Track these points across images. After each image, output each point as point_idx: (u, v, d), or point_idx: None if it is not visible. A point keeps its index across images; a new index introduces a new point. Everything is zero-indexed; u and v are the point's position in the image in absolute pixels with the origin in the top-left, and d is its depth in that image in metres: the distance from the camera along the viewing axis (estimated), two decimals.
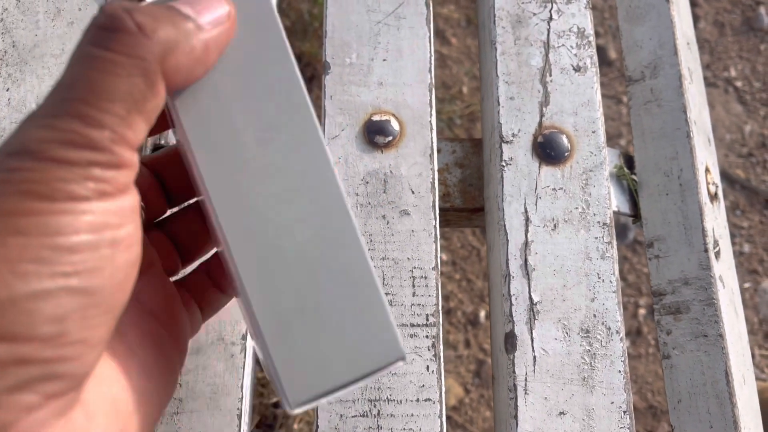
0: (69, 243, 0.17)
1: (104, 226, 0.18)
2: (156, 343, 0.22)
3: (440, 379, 0.34)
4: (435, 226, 0.36)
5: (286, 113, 0.21)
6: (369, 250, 0.35)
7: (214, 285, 0.28)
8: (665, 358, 0.37)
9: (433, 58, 0.40)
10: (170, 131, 0.40)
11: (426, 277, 0.35)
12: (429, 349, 0.34)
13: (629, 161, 0.43)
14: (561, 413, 0.33)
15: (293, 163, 0.21)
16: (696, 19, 1.30)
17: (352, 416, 0.33)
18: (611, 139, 1.20)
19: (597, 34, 1.27)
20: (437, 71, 1.22)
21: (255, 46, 0.21)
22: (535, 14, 0.41)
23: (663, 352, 0.37)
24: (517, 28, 0.41)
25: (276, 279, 0.20)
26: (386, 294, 0.35)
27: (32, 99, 0.38)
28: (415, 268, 0.36)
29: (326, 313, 0.21)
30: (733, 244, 1.16)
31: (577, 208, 0.37)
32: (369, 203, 0.37)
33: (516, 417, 0.33)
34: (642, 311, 1.10)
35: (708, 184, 0.40)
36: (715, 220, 0.39)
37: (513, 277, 0.36)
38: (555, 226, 0.37)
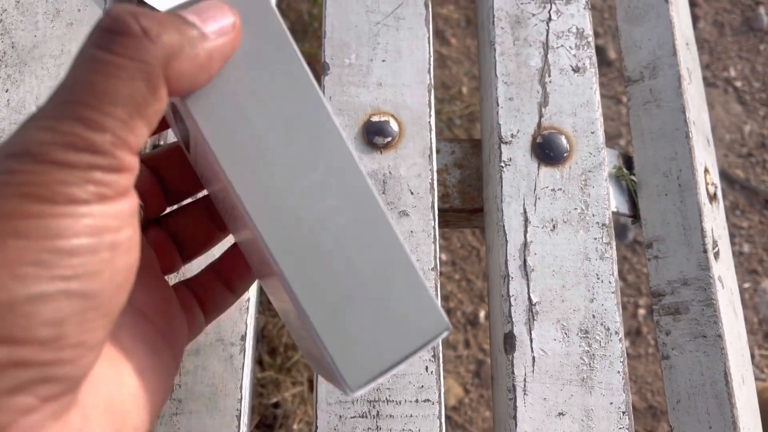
0: (69, 246, 0.17)
1: (104, 230, 0.18)
2: (150, 344, 0.22)
3: (439, 379, 0.34)
4: (434, 227, 0.36)
5: (303, 111, 0.22)
6: None
7: (224, 284, 0.28)
8: (664, 358, 0.37)
9: (432, 58, 0.40)
10: (169, 131, 0.40)
11: (425, 278, 0.35)
12: (428, 350, 0.34)
13: (628, 162, 0.43)
14: (560, 414, 0.33)
15: (318, 158, 0.22)
16: (695, 19, 1.30)
17: (351, 417, 0.33)
18: (610, 140, 1.20)
19: (596, 35, 1.27)
20: (437, 71, 1.22)
21: (262, 48, 0.22)
22: (534, 15, 0.41)
23: (662, 353, 0.37)
24: (516, 28, 0.41)
25: (317, 271, 0.21)
26: None
27: (31, 100, 0.37)
28: None
29: (370, 297, 0.22)
30: (733, 244, 1.16)
31: (576, 208, 0.37)
32: None
33: (515, 417, 0.33)
34: (641, 311, 1.10)
35: (707, 184, 0.40)
36: (714, 221, 0.39)
37: (512, 278, 0.36)
38: (554, 226, 0.37)
